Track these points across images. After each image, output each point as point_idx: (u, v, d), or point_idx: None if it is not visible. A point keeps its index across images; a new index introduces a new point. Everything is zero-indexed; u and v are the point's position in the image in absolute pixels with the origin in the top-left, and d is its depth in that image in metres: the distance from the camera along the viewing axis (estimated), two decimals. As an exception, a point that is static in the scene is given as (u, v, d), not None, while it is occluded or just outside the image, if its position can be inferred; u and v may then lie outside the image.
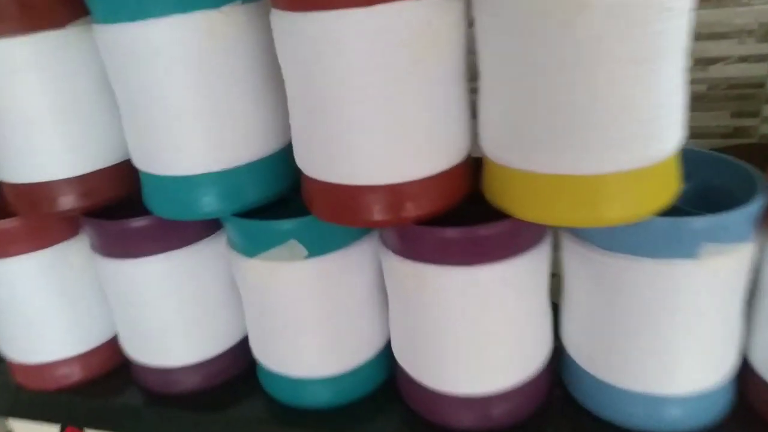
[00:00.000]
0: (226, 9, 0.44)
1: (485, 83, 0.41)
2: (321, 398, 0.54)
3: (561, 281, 0.50)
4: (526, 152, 0.39)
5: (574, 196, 0.39)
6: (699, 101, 1.03)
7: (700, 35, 0.99)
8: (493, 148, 0.42)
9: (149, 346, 0.59)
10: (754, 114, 1.02)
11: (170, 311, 0.57)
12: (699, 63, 1.00)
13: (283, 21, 0.41)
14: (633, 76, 0.35)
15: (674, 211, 0.41)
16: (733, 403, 0.48)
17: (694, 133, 1.06)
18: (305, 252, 0.48)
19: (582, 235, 0.45)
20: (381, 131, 0.40)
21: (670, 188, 0.41)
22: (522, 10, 0.35)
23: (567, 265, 0.48)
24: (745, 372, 0.48)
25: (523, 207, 0.41)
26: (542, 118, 0.37)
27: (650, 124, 0.37)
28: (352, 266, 0.50)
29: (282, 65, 0.44)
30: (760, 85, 1.01)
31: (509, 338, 0.46)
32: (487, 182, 0.45)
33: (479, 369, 0.46)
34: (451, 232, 0.43)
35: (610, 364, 0.45)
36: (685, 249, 0.40)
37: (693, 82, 1.02)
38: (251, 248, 0.50)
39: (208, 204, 0.50)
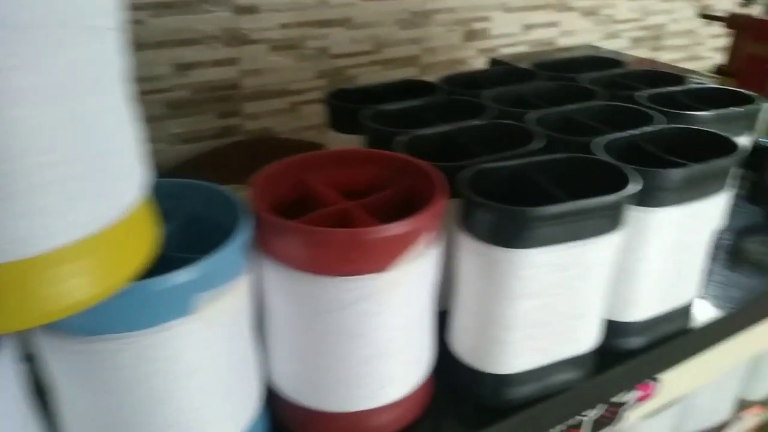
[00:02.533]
0: None
1: None
2: None
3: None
4: None
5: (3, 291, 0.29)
6: (186, 107, 1.04)
7: (172, 42, 0.99)
8: None
9: None
10: (236, 113, 1.10)
11: None
12: (179, 69, 1.01)
13: None
14: (59, 117, 0.27)
15: (163, 261, 0.34)
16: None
17: (186, 138, 1.07)
18: None
19: (55, 326, 0.34)
20: None
21: (145, 243, 0.33)
22: None
23: (50, 363, 0.37)
24: (273, 397, 0.47)
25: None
26: None
27: (96, 179, 0.29)
28: None
29: None
30: (234, 87, 1.08)
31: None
32: None
33: None
34: None
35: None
36: (178, 308, 0.35)
37: (176, 88, 1.02)
38: None
39: None
